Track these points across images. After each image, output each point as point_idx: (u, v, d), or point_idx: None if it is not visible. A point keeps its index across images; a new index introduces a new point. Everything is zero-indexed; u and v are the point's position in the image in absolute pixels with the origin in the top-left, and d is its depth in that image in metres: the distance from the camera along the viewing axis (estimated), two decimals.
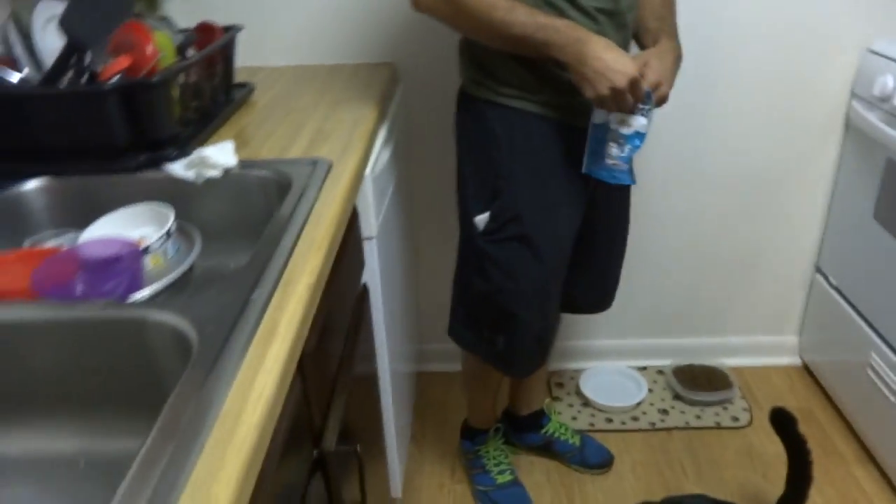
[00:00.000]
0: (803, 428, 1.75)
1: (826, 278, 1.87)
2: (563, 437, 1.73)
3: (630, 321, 2.02)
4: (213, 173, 1.06)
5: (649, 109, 1.13)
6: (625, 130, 1.15)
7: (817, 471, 1.67)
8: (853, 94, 1.70)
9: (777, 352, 2.06)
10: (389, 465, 1.47)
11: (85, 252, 0.89)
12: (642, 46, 1.25)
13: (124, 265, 0.88)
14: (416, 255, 1.89)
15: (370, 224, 1.22)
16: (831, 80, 1.72)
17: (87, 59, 1.07)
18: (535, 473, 1.72)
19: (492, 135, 1.22)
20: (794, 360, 2.06)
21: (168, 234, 0.94)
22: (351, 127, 1.23)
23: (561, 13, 1.11)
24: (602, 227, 1.39)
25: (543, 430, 1.73)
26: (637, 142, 1.15)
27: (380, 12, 1.65)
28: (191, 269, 0.93)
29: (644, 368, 2.05)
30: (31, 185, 1.05)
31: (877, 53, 1.61)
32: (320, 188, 0.99)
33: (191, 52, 1.28)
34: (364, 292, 1.23)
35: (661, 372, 2.03)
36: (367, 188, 1.20)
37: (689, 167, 1.82)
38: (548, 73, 1.15)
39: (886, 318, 1.62)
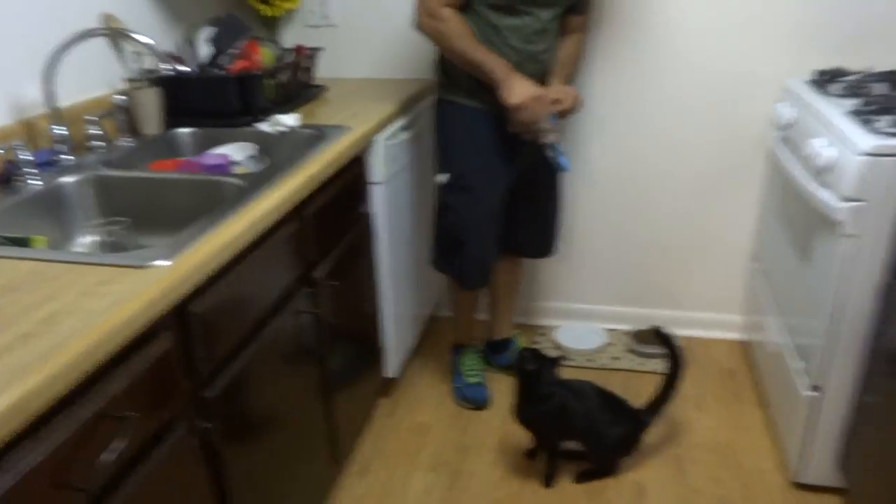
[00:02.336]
0: (724, 381, 2.29)
1: (757, 264, 2.35)
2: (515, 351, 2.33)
3: (603, 292, 2.58)
4: (282, 129, 1.80)
5: (556, 124, 1.80)
6: (549, 141, 1.81)
7: (723, 409, 2.19)
8: (773, 121, 2.20)
9: (723, 327, 2.53)
10: (386, 350, 2.14)
11: (204, 159, 1.65)
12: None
13: (222, 168, 1.63)
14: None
15: (378, 172, 1.92)
16: (760, 109, 2.23)
17: (222, 60, 1.86)
18: (502, 385, 2.32)
19: (449, 122, 1.92)
20: (738, 336, 2.52)
21: (250, 157, 1.69)
22: (374, 113, 1.95)
23: (500, 49, 1.78)
24: (533, 193, 2.02)
25: (509, 353, 2.34)
26: (556, 146, 1.82)
27: (418, 44, 2.37)
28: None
29: (613, 330, 2.58)
30: (184, 130, 1.84)
31: (787, 88, 2.12)
32: (337, 139, 1.70)
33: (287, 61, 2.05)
34: (368, 216, 1.93)
35: (625, 333, 2.56)
36: (379, 148, 1.90)
37: (653, 170, 2.38)
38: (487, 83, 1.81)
39: (775, 287, 2.09)
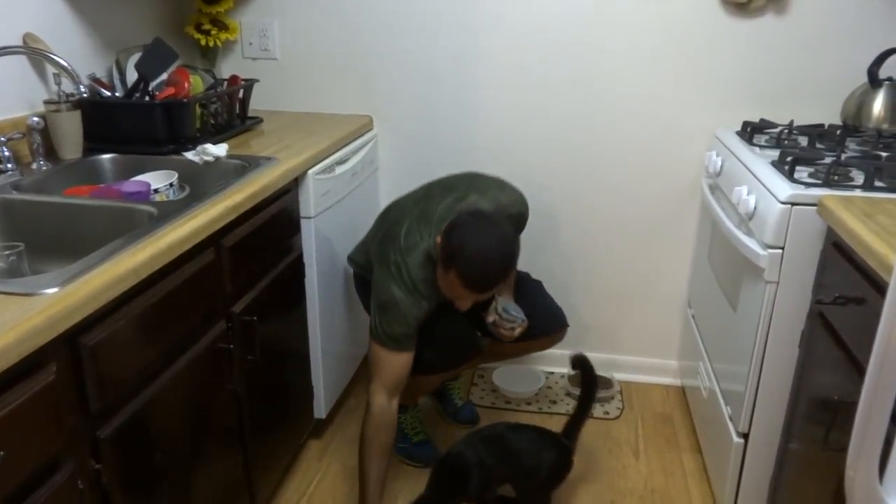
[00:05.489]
0: (660, 426, 2.26)
1: (690, 310, 2.36)
2: (450, 392, 2.27)
3: None
4: (209, 159, 1.75)
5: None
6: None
7: (658, 455, 2.16)
8: (704, 169, 2.25)
9: (660, 372, 2.53)
10: (315, 392, 2.06)
11: (123, 187, 1.59)
12: None
13: (142, 196, 1.57)
14: None
15: (308, 207, 1.88)
16: (692, 157, 2.27)
17: (150, 86, 1.81)
18: (446, 438, 2.26)
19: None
20: (674, 381, 2.52)
21: (171, 185, 1.63)
22: (307, 147, 1.92)
23: None
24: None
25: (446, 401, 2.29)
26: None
27: (366, 80, 2.36)
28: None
29: (551, 373, 2.56)
30: (106, 156, 1.77)
31: (717, 138, 2.17)
32: (265, 171, 1.66)
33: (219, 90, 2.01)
34: (297, 251, 1.87)
35: (563, 376, 2.54)
36: (309, 182, 1.86)
37: (592, 214, 2.39)
38: None
39: (706, 333, 2.11)
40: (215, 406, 1.48)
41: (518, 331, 1.85)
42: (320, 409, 2.10)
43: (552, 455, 1.82)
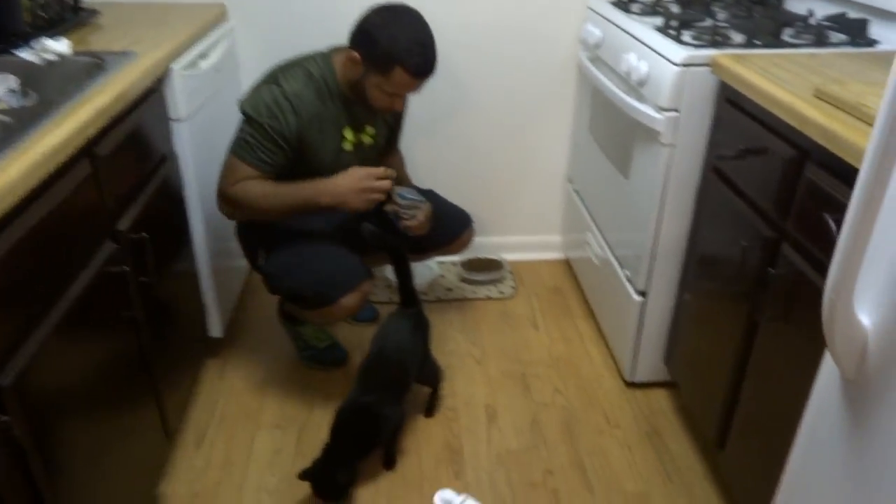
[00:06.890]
0: (553, 298, 2.31)
1: (571, 185, 2.44)
2: None
3: None
4: (51, 57, 1.48)
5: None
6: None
7: (556, 325, 2.22)
8: (580, 43, 2.26)
9: (545, 249, 2.62)
10: (208, 307, 1.93)
11: None
12: None
13: None
14: None
15: (179, 108, 1.67)
16: (565, 32, 2.27)
17: None
18: (356, 339, 2.21)
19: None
20: (559, 255, 2.63)
21: (12, 90, 1.37)
22: (164, 39, 1.68)
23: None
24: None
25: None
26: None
27: None
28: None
29: (443, 262, 2.57)
30: None
31: (591, 9, 2.17)
32: (124, 68, 1.44)
33: None
34: (172, 158, 1.68)
35: (454, 264, 2.56)
36: (176, 79, 1.64)
37: (465, 97, 2.34)
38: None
39: (593, 204, 2.19)
40: (115, 333, 1.32)
41: (422, 215, 1.79)
42: (214, 327, 1.98)
43: (417, 329, 1.80)
